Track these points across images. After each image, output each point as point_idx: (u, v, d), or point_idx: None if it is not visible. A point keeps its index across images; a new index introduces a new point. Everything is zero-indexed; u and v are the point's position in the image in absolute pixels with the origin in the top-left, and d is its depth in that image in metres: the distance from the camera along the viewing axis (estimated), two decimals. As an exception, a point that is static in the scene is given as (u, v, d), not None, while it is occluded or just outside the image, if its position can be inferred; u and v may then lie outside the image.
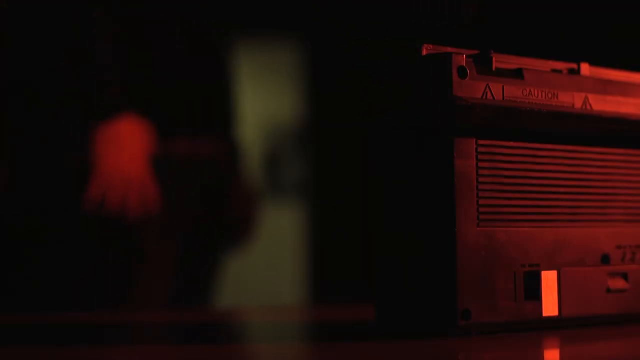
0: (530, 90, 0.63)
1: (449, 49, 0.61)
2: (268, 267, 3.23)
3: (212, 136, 1.30)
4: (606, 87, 0.67)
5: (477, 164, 0.60)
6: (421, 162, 0.60)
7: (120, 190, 1.18)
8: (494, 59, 0.62)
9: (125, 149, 1.19)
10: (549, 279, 0.63)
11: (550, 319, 0.63)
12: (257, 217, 1.36)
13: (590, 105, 0.66)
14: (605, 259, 0.66)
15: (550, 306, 0.63)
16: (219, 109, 1.31)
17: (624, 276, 0.67)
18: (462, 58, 0.60)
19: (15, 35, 1.22)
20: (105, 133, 1.17)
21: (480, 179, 0.61)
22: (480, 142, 0.61)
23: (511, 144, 0.62)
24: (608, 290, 0.66)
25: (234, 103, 1.33)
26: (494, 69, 0.62)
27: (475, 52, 0.62)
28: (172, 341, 0.70)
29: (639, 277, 0.67)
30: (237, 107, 1.34)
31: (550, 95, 0.64)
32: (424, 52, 0.61)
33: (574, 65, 0.67)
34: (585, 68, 0.67)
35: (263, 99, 3.30)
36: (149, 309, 1.18)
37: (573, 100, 0.65)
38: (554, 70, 0.66)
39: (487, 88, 0.61)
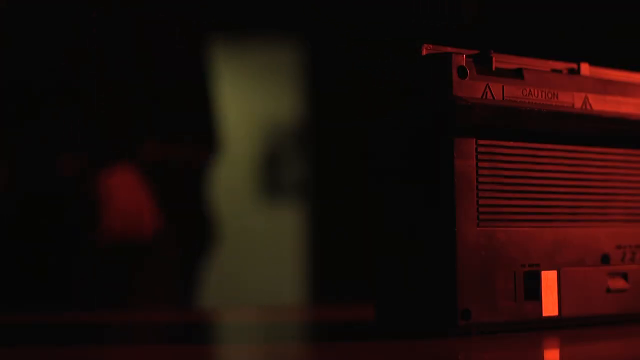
0: (530, 90, 0.63)
1: (449, 49, 0.61)
2: (268, 267, 3.23)
3: (196, 139, 1.30)
4: (606, 87, 0.67)
5: (477, 164, 0.60)
6: (421, 162, 0.60)
7: (124, 225, 1.21)
8: (494, 59, 0.62)
9: (125, 194, 1.22)
10: (549, 279, 0.63)
11: (550, 319, 0.63)
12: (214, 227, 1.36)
13: (590, 105, 0.66)
14: (605, 259, 0.66)
15: (550, 306, 0.63)
16: (206, 110, 1.31)
17: (624, 276, 0.67)
18: (462, 58, 0.60)
19: (15, 35, 1.22)
20: (106, 183, 1.20)
21: (480, 179, 0.61)
22: (480, 142, 0.61)
23: (511, 144, 0.62)
24: (608, 290, 0.66)
25: (216, 105, 1.33)
26: (494, 69, 0.62)
27: (475, 52, 0.62)
28: (171, 341, 0.70)
29: (639, 277, 0.67)
30: (220, 109, 1.34)
31: (550, 95, 0.64)
32: (424, 52, 0.61)
33: (574, 65, 0.67)
34: (585, 68, 0.67)
35: (263, 99, 3.30)
36: (148, 309, 1.18)
37: (573, 100, 0.65)
38: (554, 70, 0.66)
39: (487, 88, 0.62)
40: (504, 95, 0.62)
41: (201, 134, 1.31)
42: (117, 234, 1.21)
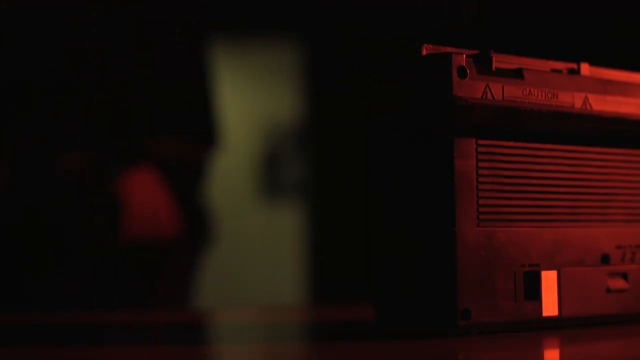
0: (530, 90, 0.63)
1: (449, 49, 0.61)
2: (268, 267, 3.23)
3: (196, 138, 1.30)
4: (606, 87, 0.67)
5: (477, 164, 0.60)
6: (421, 162, 0.60)
7: (145, 225, 1.23)
8: (494, 59, 0.62)
9: (147, 194, 1.24)
10: (549, 279, 0.63)
11: (550, 319, 0.63)
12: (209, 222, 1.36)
13: (590, 105, 0.66)
14: (605, 259, 0.66)
15: (550, 306, 0.63)
16: (207, 110, 1.31)
17: (624, 276, 0.67)
18: (462, 58, 0.60)
19: (15, 35, 1.22)
20: (128, 183, 1.21)
21: (480, 179, 0.61)
22: (480, 142, 0.61)
23: (511, 144, 0.62)
24: (608, 290, 0.66)
25: (217, 104, 1.33)
26: (494, 69, 0.62)
27: (475, 52, 0.62)
28: (171, 341, 0.70)
29: (639, 277, 0.67)
30: (220, 108, 1.34)
31: (550, 95, 0.64)
32: (424, 52, 0.61)
33: (574, 65, 0.67)
34: (585, 68, 0.67)
35: (263, 99, 3.30)
36: (148, 310, 1.18)
37: (573, 100, 0.65)
38: (554, 70, 0.66)
39: (487, 88, 0.62)
40: (504, 95, 0.62)
41: (201, 134, 1.31)
42: (137, 235, 1.22)
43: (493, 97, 0.62)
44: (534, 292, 0.62)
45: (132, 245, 1.22)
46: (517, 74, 0.63)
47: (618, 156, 0.67)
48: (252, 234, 3.21)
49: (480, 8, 2.49)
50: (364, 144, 0.64)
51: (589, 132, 0.65)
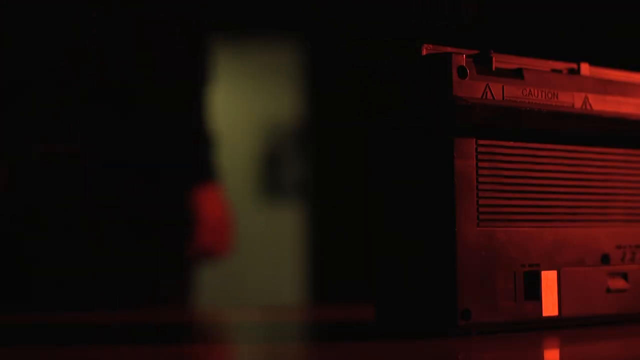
0: (530, 90, 0.63)
1: (449, 49, 0.61)
2: (268, 267, 3.23)
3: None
4: (606, 87, 0.67)
5: (477, 164, 0.60)
6: (421, 162, 0.60)
7: (213, 239, 1.32)
8: (494, 59, 0.62)
9: (215, 209, 1.33)
10: (549, 279, 0.63)
11: (550, 319, 0.63)
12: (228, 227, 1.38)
13: (590, 105, 0.66)
14: (605, 259, 0.66)
15: (550, 306, 0.63)
16: (206, 110, 1.32)
17: (624, 276, 0.67)
18: (462, 58, 0.60)
19: (15, 35, 1.22)
20: (198, 199, 1.29)
21: (480, 179, 0.61)
22: (480, 142, 0.61)
23: (511, 144, 0.62)
24: (608, 290, 0.66)
25: (215, 104, 1.35)
26: (494, 69, 0.62)
27: (475, 52, 0.62)
28: (171, 341, 0.70)
29: (639, 277, 0.67)
30: (219, 108, 1.35)
31: (550, 95, 0.64)
32: (424, 52, 0.61)
33: (574, 65, 0.67)
34: (585, 68, 0.67)
35: (263, 99, 3.30)
36: (148, 310, 1.18)
37: (573, 100, 0.65)
38: (554, 70, 0.66)
39: (487, 88, 0.62)
40: (504, 95, 0.62)
41: (200, 133, 1.31)
42: (205, 248, 1.28)
43: (493, 97, 0.62)
44: (534, 292, 0.62)
45: (197, 257, 1.28)
46: (517, 74, 0.63)
47: (618, 156, 0.67)
48: (252, 234, 3.21)
49: (480, 8, 2.49)
50: (364, 144, 0.64)
51: (589, 132, 0.65)
